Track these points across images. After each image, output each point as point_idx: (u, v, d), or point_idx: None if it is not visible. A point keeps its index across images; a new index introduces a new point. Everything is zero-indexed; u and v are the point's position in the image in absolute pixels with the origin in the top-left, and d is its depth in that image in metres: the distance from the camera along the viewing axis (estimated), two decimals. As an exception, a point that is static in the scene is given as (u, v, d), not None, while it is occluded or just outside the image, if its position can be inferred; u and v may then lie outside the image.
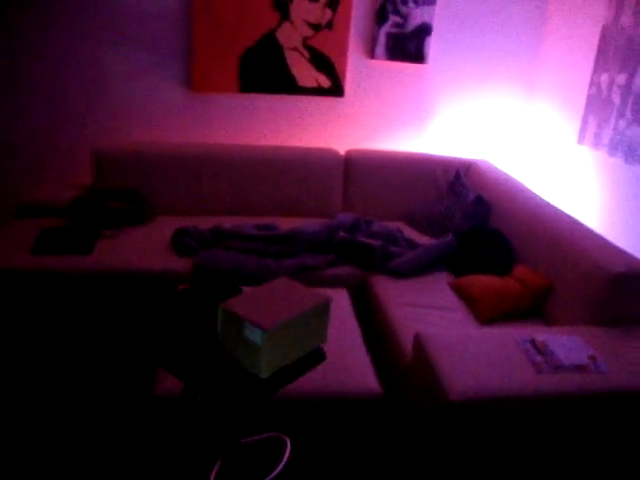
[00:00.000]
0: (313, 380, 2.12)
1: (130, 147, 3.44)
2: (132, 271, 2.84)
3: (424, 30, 3.73)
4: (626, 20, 3.15)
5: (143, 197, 3.36)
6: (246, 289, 2.47)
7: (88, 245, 2.96)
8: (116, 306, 2.88)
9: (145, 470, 2.28)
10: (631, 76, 3.11)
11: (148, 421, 2.50)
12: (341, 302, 2.70)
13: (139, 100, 3.61)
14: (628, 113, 3.13)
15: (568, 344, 2.23)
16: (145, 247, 3.03)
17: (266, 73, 3.65)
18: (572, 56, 3.69)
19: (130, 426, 2.50)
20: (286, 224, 3.36)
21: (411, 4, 3.66)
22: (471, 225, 3.30)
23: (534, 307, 2.71)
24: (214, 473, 1.95)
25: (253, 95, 3.73)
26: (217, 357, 1.60)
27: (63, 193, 3.36)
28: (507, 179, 3.45)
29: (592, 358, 2.16)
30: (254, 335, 1.51)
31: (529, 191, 3.26)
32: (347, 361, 2.25)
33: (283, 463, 2.05)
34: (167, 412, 2.09)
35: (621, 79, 3.18)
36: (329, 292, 2.78)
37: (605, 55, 3.32)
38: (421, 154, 3.78)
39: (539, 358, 2.13)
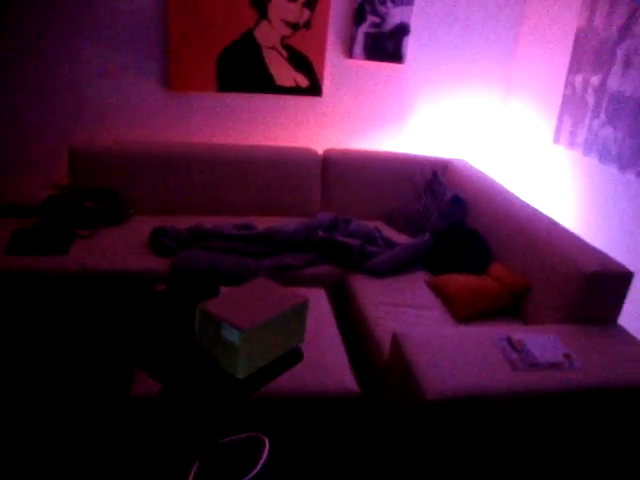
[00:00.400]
0: (291, 380, 2.13)
1: (107, 146, 3.41)
2: (109, 271, 2.82)
3: (402, 30, 3.74)
4: (599, 23, 3.19)
5: (120, 196, 3.34)
6: (224, 289, 2.47)
7: (64, 245, 2.93)
8: (92, 307, 2.85)
9: (123, 471, 2.26)
10: (605, 78, 3.16)
11: (125, 422, 2.48)
12: (319, 301, 2.70)
13: (117, 99, 3.57)
14: (602, 114, 3.17)
15: (544, 342, 2.26)
16: (122, 247, 3.01)
17: (244, 72, 3.64)
18: (548, 57, 3.73)
19: (107, 427, 2.48)
20: (264, 223, 3.36)
21: (389, 4, 3.67)
22: (448, 224, 3.32)
23: (511, 306, 2.74)
24: (192, 473, 1.95)
25: (231, 94, 3.71)
26: (195, 358, 1.60)
27: (42, 192, 3.32)
28: (484, 178, 3.48)
29: (567, 356, 2.19)
30: (232, 336, 1.51)
31: (506, 190, 3.29)
32: (325, 360, 2.26)
33: (261, 463, 2.05)
34: (144, 413, 2.08)
35: (595, 80, 3.23)
36: (308, 291, 2.79)
37: (579, 56, 3.36)
38: (399, 153, 3.79)
39: (515, 356, 2.16)
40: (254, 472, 2.04)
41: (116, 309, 2.86)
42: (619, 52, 3.05)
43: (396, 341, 2.20)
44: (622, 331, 2.43)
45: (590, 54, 3.27)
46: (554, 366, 2.13)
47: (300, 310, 1.67)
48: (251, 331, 1.51)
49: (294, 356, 1.69)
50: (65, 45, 3.39)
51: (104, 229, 3.19)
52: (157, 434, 2.14)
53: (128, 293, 2.86)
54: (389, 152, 3.79)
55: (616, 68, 3.07)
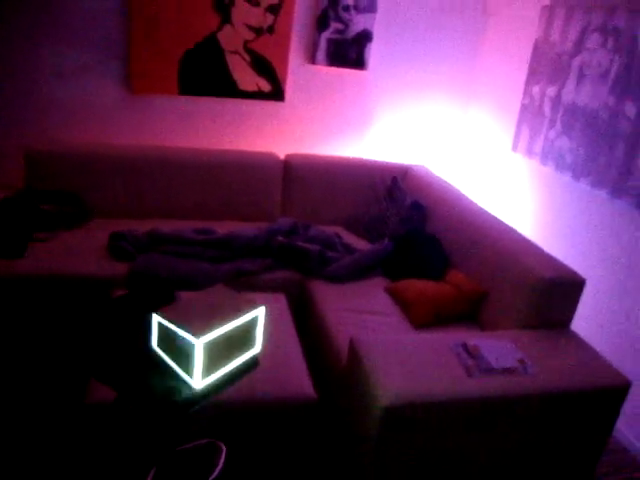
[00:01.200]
0: (248, 386, 2.12)
1: (64, 147, 3.35)
2: (66, 276, 2.77)
3: (365, 37, 3.78)
4: (555, 36, 3.28)
5: (78, 199, 3.29)
6: (182, 295, 2.45)
7: (19, 249, 2.88)
8: (49, 312, 2.81)
9: (78, 477, 2.23)
10: (560, 89, 3.24)
11: (79, 430, 2.45)
12: (279, 307, 2.71)
13: (76, 100, 3.52)
14: (558, 124, 3.25)
15: (499, 348, 2.30)
16: (80, 251, 2.96)
17: (207, 76, 3.63)
18: (507, 67, 3.81)
19: (62, 435, 2.44)
20: (225, 228, 3.35)
21: (352, 11, 3.70)
22: (407, 230, 3.36)
23: (468, 311, 2.79)
24: (148, 481, 1.93)
25: (193, 98, 3.69)
26: (150, 366, 1.59)
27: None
28: (444, 185, 3.53)
29: (521, 361, 2.24)
30: (188, 344, 1.51)
31: (465, 197, 3.34)
32: (283, 366, 2.26)
33: (218, 469, 2.05)
34: (99, 420, 2.05)
35: (551, 91, 3.31)
36: (267, 297, 2.79)
37: (537, 68, 3.45)
38: (360, 159, 3.83)
39: (470, 362, 2.20)
40: (211, 478, 2.03)
41: (72, 314, 2.82)
42: (573, 65, 3.13)
43: (353, 347, 2.22)
44: (574, 336, 2.49)
45: (547, 66, 3.35)
46: (508, 371, 2.18)
47: (257, 317, 1.67)
48: (207, 339, 1.51)
49: (251, 363, 1.69)
50: (20, 44, 3.32)
51: (62, 232, 3.14)
52: (113, 441, 2.12)
53: (85, 298, 2.82)
54: (350, 158, 3.82)
55: (571, 80, 3.16)
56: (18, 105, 3.46)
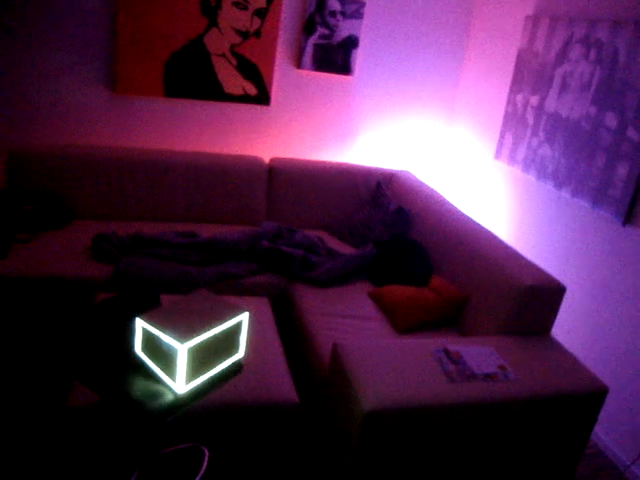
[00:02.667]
0: (231, 389, 2.13)
1: (47, 148, 3.33)
2: (48, 277, 2.76)
3: (351, 42, 3.80)
4: (539, 46, 3.32)
5: (60, 200, 3.27)
6: (165, 299, 2.45)
7: (1, 250, 2.86)
8: (31, 314, 2.79)
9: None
10: (543, 98, 3.28)
11: (61, 433, 2.43)
12: (262, 311, 2.71)
13: (59, 100, 3.50)
14: (540, 133, 3.29)
15: (480, 354, 2.33)
16: (62, 252, 2.95)
17: (192, 78, 3.63)
18: (492, 75, 3.85)
19: (43, 438, 2.43)
20: (209, 231, 3.35)
21: (339, 16, 3.72)
22: (391, 235, 3.38)
23: (450, 317, 2.81)
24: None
25: (179, 100, 3.69)
26: (133, 370, 1.59)
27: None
28: (428, 190, 3.56)
29: (502, 367, 2.26)
30: (171, 348, 1.51)
31: (448, 203, 3.37)
32: (265, 370, 2.27)
33: (201, 474, 2.05)
34: (81, 423, 2.04)
35: (534, 100, 3.35)
36: (251, 301, 2.79)
37: (520, 77, 3.49)
38: (344, 164, 3.84)
39: (452, 367, 2.22)
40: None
41: (55, 316, 2.80)
42: (556, 75, 3.18)
43: (336, 352, 2.23)
44: (554, 342, 2.52)
45: (530, 75, 3.40)
46: (489, 377, 2.20)
47: (241, 323, 1.68)
48: (191, 344, 1.52)
49: (234, 368, 1.70)
50: (2, 43, 3.30)
51: (44, 234, 3.12)
52: (95, 444, 2.11)
53: (67, 300, 2.80)
54: (335, 162, 3.84)
55: (553, 90, 3.20)
56: (2, 106, 3.43)
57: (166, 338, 1.51)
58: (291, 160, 3.75)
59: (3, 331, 2.79)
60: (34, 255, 2.88)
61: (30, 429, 2.47)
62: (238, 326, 1.67)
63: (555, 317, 2.58)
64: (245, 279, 3.01)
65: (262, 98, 3.79)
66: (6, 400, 2.61)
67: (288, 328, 2.96)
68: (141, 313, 1.60)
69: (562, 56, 3.14)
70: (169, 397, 1.53)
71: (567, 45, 3.10)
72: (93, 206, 3.40)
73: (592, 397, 2.27)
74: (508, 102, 3.61)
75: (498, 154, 3.70)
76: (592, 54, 2.93)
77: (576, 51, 3.04)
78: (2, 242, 2.92)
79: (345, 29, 3.76)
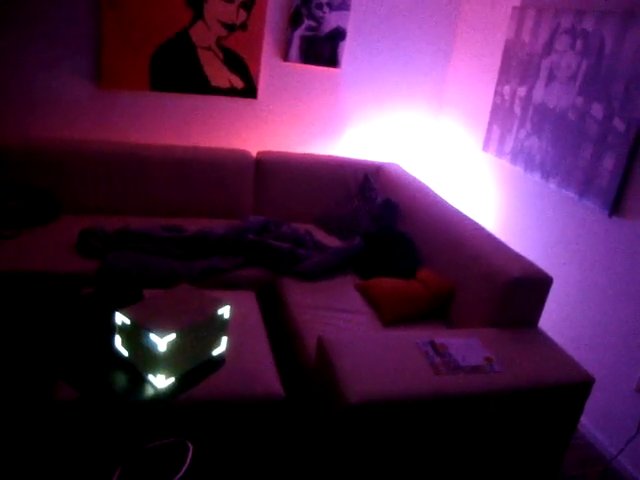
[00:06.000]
0: (215, 383, 2.12)
1: (33, 142, 3.30)
2: (34, 273, 2.74)
3: (338, 35, 3.78)
4: (526, 37, 3.31)
5: (46, 195, 3.24)
6: (148, 294, 2.44)
7: (-15, 245, 2.84)
8: (16, 309, 2.77)
9: (46, 476, 2.21)
10: (530, 89, 3.27)
11: (47, 427, 2.42)
12: (249, 304, 2.70)
13: (44, 94, 3.46)
14: (528, 124, 3.29)
15: (466, 346, 2.33)
16: (48, 248, 2.93)
17: (178, 72, 3.60)
18: (479, 67, 3.84)
19: (28, 433, 2.41)
20: (196, 225, 3.33)
21: (325, 8, 3.70)
22: (379, 228, 3.37)
23: (437, 309, 2.81)
24: (115, 479, 1.92)
25: (165, 94, 3.66)
26: (113, 365, 1.58)
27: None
28: (415, 183, 3.55)
29: (488, 359, 2.26)
30: (153, 343, 1.50)
31: (436, 195, 3.36)
32: (251, 364, 2.26)
33: (185, 468, 2.04)
34: (66, 418, 2.03)
35: (522, 91, 3.35)
36: (237, 294, 2.78)
37: (508, 68, 3.48)
38: (331, 157, 3.83)
39: (438, 360, 2.21)
40: (177, 477, 2.03)
41: (40, 312, 2.78)
42: (543, 66, 3.17)
43: (321, 345, 2.22)
44: (541, 333, 2.52)
45: (517, 66, 3.39)
46: (475, 369, 2.20)
47: (223, 316, 1.67)
48: (172, 338, 1.50)
49: (216, 362, 1.69)
50: (-10, 37, 3.28)
51: (30, 229, 3.10)
52: (79, 439, 2.10)
53: (54, 296, 2.78)
54: (322, 155, 3.82)
55: (541, 81, 3.19)
56: (-16, 99, 3.41)
57: (147, 332, 1.50)
58: (278, 153, 3.73)
59: (-12, 327, 2.77)
60: (20, 250, 2.86)
61: (15, 424, 2.45)
62: (220, 319, 1.65)
63: (542, 308, 2.58)
64: (232, 273, 2.99)
65: (249, 91, 3.76)
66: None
67: (275, 322, 2.95)
68: (124, 306, 1.58)
69: (549, 47, 3.13)
70: (150, 392, 1.52)
71: (554, 36, 3.09)
72: (79, 201, 3.37)
73: (578, 387, 2.27)
74: (496, 93, 3.60)
75: (486, 146, 3.70)
76: (578, 44, 2.92)
77: (562, 42, 3.03)
78: (-14, 238, 2.89)
79: (332, 21, 3.74)
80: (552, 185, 3.10)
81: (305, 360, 2.47)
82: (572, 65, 2.97)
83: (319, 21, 3.72)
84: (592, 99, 2.84)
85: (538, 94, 3.21)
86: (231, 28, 3.59)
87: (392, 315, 2.68)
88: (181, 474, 1.97)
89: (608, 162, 2.73)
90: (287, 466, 2.40)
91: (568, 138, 2.99)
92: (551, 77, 3.11)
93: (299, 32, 3.70)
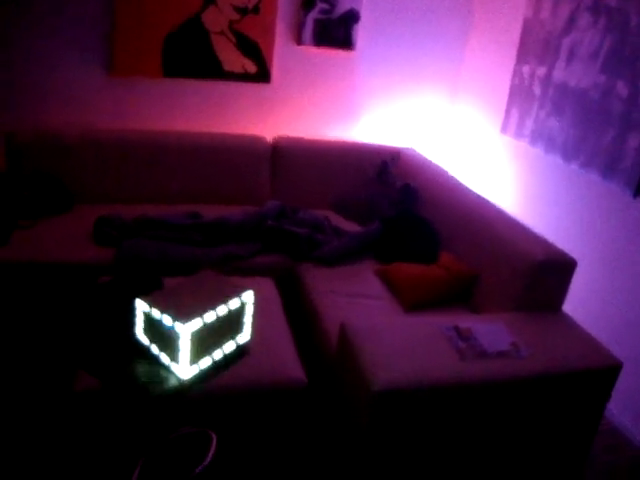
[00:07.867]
0: (238, 373, 2.08)
1: (47, 131, 3.28)
2: (52, 263, 2.72)
3: (352, 17, 3.71)
4: (545, 15, 3.23)
5: (61, 184, 3.22)
6: (168, 281, 2.41)
7: (3, 236, 2.81)
8: (34, 299, 2.75)
9: (68, 467, 2.20)
10: (550, 69, 3.20)
11: (69, 418, 2.41)
12: (268, 291, 2.67)
13: (56, 82, 3.43)
14: (548, 105, 3.22)
15: (491, 331, 2.28)
16: (65, 237, 2.91)
17: (191, 57, 3.55)
18: (497, 47, 3.76)
19: (50, 423, 2.41)
20: (212, 212, 3.29)
21: (338, -10, 3.64)
22: (398, 212, 3.32)
23: (459, 294, 2.76)
24: (138, 469, 1.90)
25: (178, 80, 3.62)
26: (135, 355, 1.55)
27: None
28: (433, 167, 3.50)
29: (514, 344, 2.22)
30: (174, 331, 1.47)
31: (455, 179, 3.31)
32: (272, 351, 2.23)
33: (209, 458, 2.02)
34: (89, 408, 2.01)
35: (541, 72, 3.27)
36: (256, 281, 2.74)
37: (527, 48, 3.40)
38: (348, 141, 3.78)
39: (463, 345, 2.17)
40: (201, 467, 2.00)
41: (59, 302, 2.76)
42: (564, 44, 3.09)
43: (343, 332, 2.19)
44: (566, 318, 2.48)
45: (537, 45, 3.31)
46: (501, 354, 2.16)
47: (245, 303, 1.63)
48: (194, 326, 1.47)
49: (240, 351, 1.66)
50: None
51: (46, 219, 3.08)
52: (102, 429, 2.08)
53: (72, 285, 2.76)
54: (339, 140, 3.77)
55: (561, 60, 3.12)
56: (-2, 89, 3.38)
57: (168, 320, 1.46)
58: (294, 138, 3.69)
59: (7, 318, 2.76)
60: (36, 241, 2.85)
61: (36, 415, 2.45)
62: (242, 306, 1.62)
63: (566, 292, 2.53)
64: (250, 260, 2.96)
65: (262, 75, 3.71)
66: (12, 387, 2.59)
67: (294, 308, 2.92)
68: (143, 295, 1.55)
69: (569, 25, 3.05)
70: (172, 382, 1.49)
71: (575, 13, 3.01)
72: (94, 190, 3.35)
73: (606, 372, 2.22)
74: (514, 74, 3.53)
75: (504, 129, 3.63)
76: (601, 21, 2.84)
77: (584, 19, 2.95)
78: (4, 228, 2.87)
79: (345, 3, 3.67)
80: (574, 166, 3.03)
81: (326, 346, 2.44)
82: (594, 42, 2.89)
83: (332, 3, 3.65)
84: (616, 77, 2.76)
85: (558, 74, 3.14)
86: (243, 12, 3.53)
87: (413, 300, 2.64)
88: (205, 464, 1.95)
89: (633, 142, 2.66)
90: (310, 454, 2.37)
91: (590, 118, 2.92)
92: (572, 56, 3.03)
93: (312, 15, 3.64)
